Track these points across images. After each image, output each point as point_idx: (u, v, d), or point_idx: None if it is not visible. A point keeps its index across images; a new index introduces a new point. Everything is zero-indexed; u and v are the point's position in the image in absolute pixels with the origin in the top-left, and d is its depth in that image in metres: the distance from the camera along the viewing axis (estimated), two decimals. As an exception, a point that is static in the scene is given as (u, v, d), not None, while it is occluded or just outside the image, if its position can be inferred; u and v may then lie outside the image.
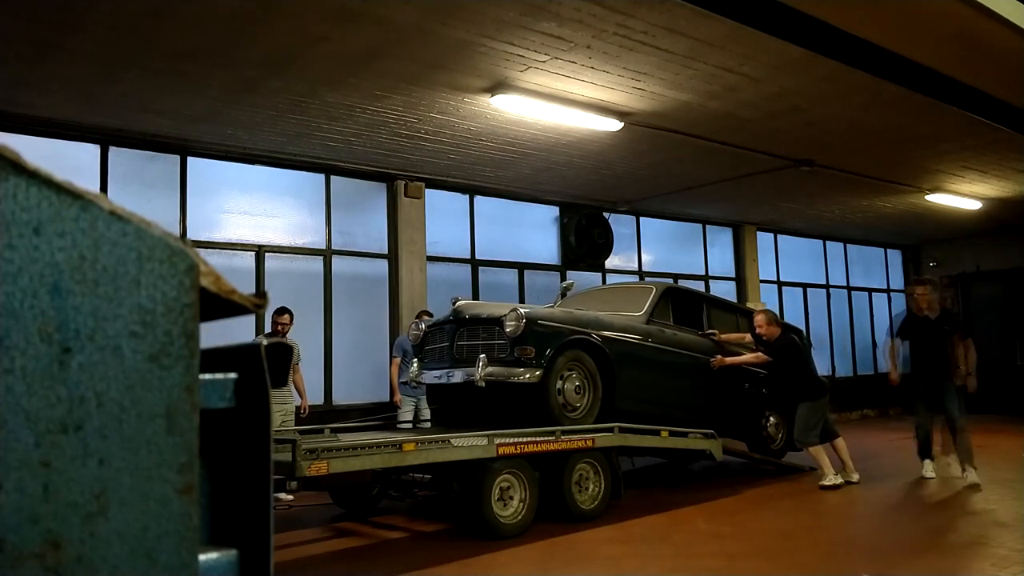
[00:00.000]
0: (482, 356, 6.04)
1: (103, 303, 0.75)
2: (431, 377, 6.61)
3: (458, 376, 6.24)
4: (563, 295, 7.35)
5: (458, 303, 6.68)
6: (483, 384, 5.97)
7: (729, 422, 7.80)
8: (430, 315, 8.19)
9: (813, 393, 7.50)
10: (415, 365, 6.80)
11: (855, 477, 7.41)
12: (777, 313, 8.17)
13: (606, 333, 6.57)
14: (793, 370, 7.55)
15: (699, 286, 12.68)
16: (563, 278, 11.01)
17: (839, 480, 7.23)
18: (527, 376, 5.92)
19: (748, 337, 7.90)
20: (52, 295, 0.73)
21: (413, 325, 7.16)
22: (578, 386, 6.31)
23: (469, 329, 6.41)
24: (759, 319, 7.69)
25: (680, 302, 7.82)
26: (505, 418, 6.44)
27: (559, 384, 6.16)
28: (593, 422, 6.29)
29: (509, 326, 5.98)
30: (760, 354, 7.53)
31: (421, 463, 5.29)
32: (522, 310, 6.08)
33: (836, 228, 14.46)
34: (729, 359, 7.56)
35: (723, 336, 7.88)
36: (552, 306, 6.72)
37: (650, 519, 6.13)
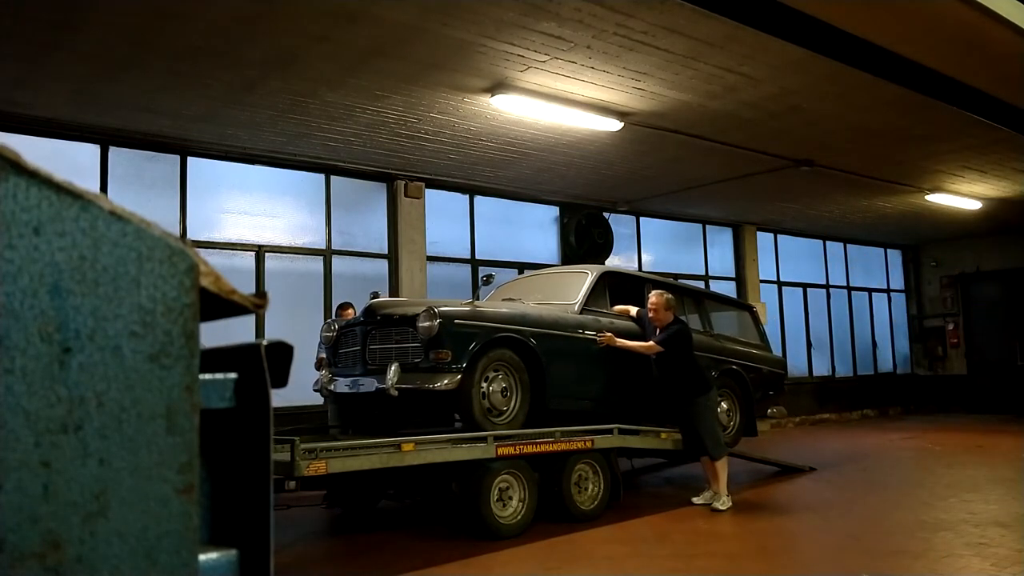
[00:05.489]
0: (394, 363, 5.46)
1: (103, 303, 0.75)
2: (342, 386, 5.98)
3: (368, 385, 5.67)
4: (485, 284, 6.26)
5: (373, 300, 6.08)
6: (395, 393, 5.41)
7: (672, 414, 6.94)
8: (352, 307, 7.46)
9: (704, 386, 6.51)
10: (325, 372, 6.19)
11: (724, 504, 6.41)
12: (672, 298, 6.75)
13: (533, 328, 5.93)
14: (683, 360, 6.48)
15: (699, 286, 12.68)
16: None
17: (730, 504, 6.39)
18: (444, 383, 5.34)
19: (631, 310, 6.96)
20: (52, 295, 0.73)
21: (325, 325, 6.46)
22: (504, 388, 5.73)
23: (381, 331, 5.82)
24: (656, 301, 6.49)
25: (619, 287, 7.16)
26: (426, 425, 6.20)
27: (483, 387, 5.61)
28: (523, 424, 5.79)
29: (422, 327, 5.42)
30: (652, 344, 6.44)
31: (420, 463, 5.28)
32: (436, 308, 5.48)
33: (836, 228, 14.46)
34: (620, 341, 6.45)
35: (616, 308, 6.97)
36: (474, 301, 6.04)
37: (650, 519, 6.13)
